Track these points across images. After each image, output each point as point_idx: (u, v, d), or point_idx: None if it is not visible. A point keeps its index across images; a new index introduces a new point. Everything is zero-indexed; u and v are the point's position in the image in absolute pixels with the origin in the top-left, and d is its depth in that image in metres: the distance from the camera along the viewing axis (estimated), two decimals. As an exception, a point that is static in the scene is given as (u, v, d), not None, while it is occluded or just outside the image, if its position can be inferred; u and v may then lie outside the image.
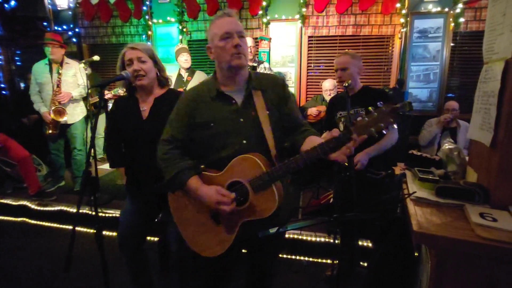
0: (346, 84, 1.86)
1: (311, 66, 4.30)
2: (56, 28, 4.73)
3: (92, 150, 1.43)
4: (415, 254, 1.62)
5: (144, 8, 4.45)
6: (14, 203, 3.39)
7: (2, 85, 4.94)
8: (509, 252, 0.99)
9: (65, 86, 3.38)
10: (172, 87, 3.47)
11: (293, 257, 2.56)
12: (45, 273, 2.39)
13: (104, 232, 1.64)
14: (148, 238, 2.79)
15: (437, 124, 3.37)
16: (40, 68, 3.41)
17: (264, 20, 4.15)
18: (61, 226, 3.17)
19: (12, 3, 4.63)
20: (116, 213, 2.99)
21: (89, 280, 2.25)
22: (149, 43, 4.48)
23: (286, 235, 2.52)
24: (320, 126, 3.22)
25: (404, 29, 3.81)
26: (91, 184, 1.48)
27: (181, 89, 3.46)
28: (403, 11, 3.75)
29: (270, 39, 4.19)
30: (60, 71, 3.35)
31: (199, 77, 3.58)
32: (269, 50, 4.22)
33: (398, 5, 3.76)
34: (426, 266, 1.22)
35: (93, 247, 1.52)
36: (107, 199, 3.28)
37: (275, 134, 1.27)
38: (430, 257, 1.15)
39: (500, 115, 1.21)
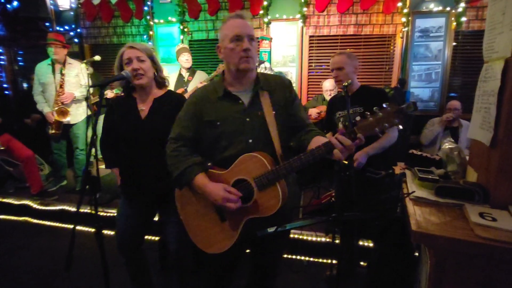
0: (346, 84, 1.86)
1: (312, 66, 4.29)
2: (58, 28, 4.75)
3: (94, 150, 1.43)
4: (415, 254, 1.61)
5: (145, 8, 4.45)
6: (16, 202, 3.42)
7: (5, 85, 4.96)
8: (508, 252, 0.99)
9: (67, 86, 3.40)
10: (172, 87, 3.50)
11: (294, 257, 2.56)
12: (46, 273, 2.40)
13: (105, 231, 1.64)
14: (149, 237, 2.80)
15: (439, 123, 3.35)
16: (43, 69, 3.43)
17: (265, 19, 4.14)
18: (62, 225, 3.19)
19: (15, 3, 4.66)
20: (117, 212, 3.00)
21: (90, 279, 2.26)
22: (150, 43, 4.49)
23: (287, 235, 2.52)
24: (321, 125, 3.22)
25: (406, 29, 3.79)
26: (91, 183, 1.49)
27: (181, 89, 3.47)
28: (405, 10, 3.73)
29: (271, 38, 4.19)
30: (63, 71, 3.37)
31: (200, 77, 3.59)
32: (270, 50, 4.21)
33: (399, 4, 3.74)
34: (426, 266, 1.22)
35: (94, 247, 1.52)
36: (108, 199, 3.29)
37: (281, 134, 1.29)
38: (429, 257, 1.15)
39: (500, 114, 1.21)
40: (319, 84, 3.98)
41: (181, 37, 4.43)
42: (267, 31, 4.21)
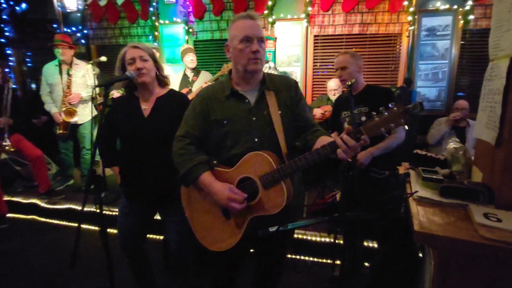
0: (349, 83, 1.84)
1: (317, 65, 4.27)
2: (65, 29, 4.82)
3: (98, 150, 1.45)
4: (419, 254, 1.59)
5: (151, 9, 4.49)
6: (24, 201, 3.48)
7: (14, 86, 5.05)
8: (513, 253, 0.97)
9: (74, 86, 3.45)
10: (177, 87, 3.52)
11: (297, 257, 2.55)
12: (51, 270, 2.44)
13: (110, 230, 1.65)
14: (154, 236, 2.82)
15: (446, 123, 3.31)
16: (50, 69, 3.48)
17: (270, 19, 4.13)
18: (69, 223, 3.24)
19: (23, 6, 4.74)
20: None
21: (95, 277, 2.29)
22: (155, 43, 4.52)
23: (290, 235, 2.51)
24: (325, 125, 3.20)
25: (412, 27, 3.75)
26: (96, 182, 1.51)
27: (186, 89, 3.49)
28: (411, 9, 3.69)
29: (276, 38, 4.18)
30: (70, 72, 3.42)
31: (205, 77, 3.60)
32: (275, 49, 4.21)
33: (405, 3, 3.70)
34: (429, 267, 1.20)
35: (100, 245, 1.55)
36: (113, 198, 3.33)
37: (286, 134, 1.30)
38: (433, 258, 1.13)
39: (505, 113, 1.19)
40: (324, 84, 3.96)
41: (186, 37, 4.46)
42: (272, 30, 4.20)
